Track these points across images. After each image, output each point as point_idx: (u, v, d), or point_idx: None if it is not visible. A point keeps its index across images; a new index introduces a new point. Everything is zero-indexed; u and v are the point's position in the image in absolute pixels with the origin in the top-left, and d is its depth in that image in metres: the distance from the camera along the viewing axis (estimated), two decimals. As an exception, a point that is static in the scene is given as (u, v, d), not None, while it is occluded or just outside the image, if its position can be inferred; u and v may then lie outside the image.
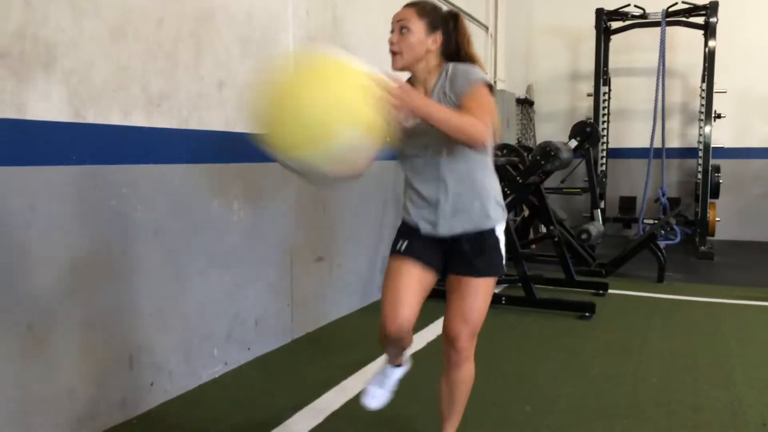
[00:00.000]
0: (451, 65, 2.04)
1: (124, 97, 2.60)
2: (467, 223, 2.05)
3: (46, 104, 2.29)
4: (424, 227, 2.08)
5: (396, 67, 2.04)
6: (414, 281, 2.05)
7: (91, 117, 2.46)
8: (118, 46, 2.57)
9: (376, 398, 2.37)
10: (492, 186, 2.10)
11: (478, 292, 2.08)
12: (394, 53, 2.04)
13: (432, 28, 2.03)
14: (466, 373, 2.17)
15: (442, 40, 2.05)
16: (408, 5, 2.07)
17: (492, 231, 2.08)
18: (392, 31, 2.05)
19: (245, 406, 2.87)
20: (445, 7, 2.13)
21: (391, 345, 2.15)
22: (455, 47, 2.08)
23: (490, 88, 1.99)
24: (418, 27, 2.01)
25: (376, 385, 2.38)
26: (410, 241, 2.10)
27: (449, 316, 2.12)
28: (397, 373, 2.41)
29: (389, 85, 1.76)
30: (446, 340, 2.14)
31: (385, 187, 4.71)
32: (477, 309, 2.08)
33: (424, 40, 2.02)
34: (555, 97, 8.98)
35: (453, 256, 2.09)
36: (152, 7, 2.72)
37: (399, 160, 2.12)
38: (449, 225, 2.05)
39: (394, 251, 2.13)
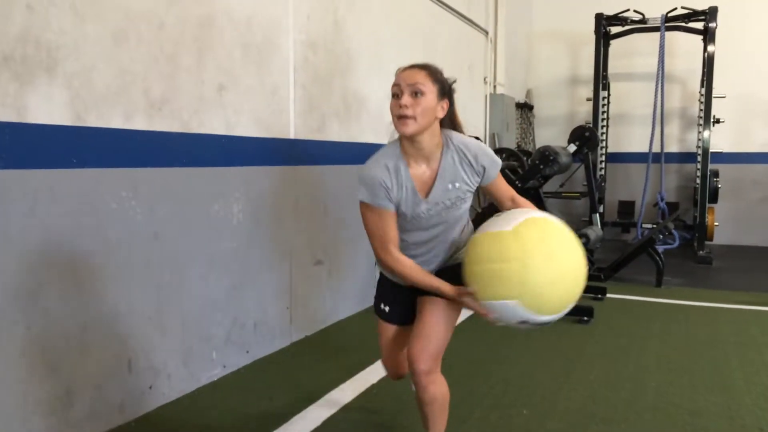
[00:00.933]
0: (459, 145, 2.03)
1: (126, 100, 2.62)
2: (443, 264, 2.18)
3: (48, 108, 2.30)
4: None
5: (408, 132, 1.92)
6: (402, 340, 2.28)
7: (93, 120, 2.47)
8: (120, 50, 2.58)
9: None
10: (467, 229, 2.22)
11: (440, 314, 2.09)
12: (405, 117, 1.91)
13: (441, 94, 1.98)
14: (432, 393, 2.11)
15: (448, 109, 2.02)
16: (417, 67, 1.97)
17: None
18: (397, 95, 1.94)
19: (243, 409, 2.88)
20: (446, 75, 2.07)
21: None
22: (450, 116, 2.06)
23: None
24: (431, 91, 1.93)
25: None
26: (391, 306, 2.26)
27: (411, 338, 2.13)
28: None
29: None
30: (409, 363, 2.12)
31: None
32: (439, 330, 2.09)
33: (435, 107, 1.95)
34: (554, 102, 9.00)
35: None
36: (154, 11, 2.74)
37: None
38: (433, 270, 2.16)
39: (380, 314, 2.30)
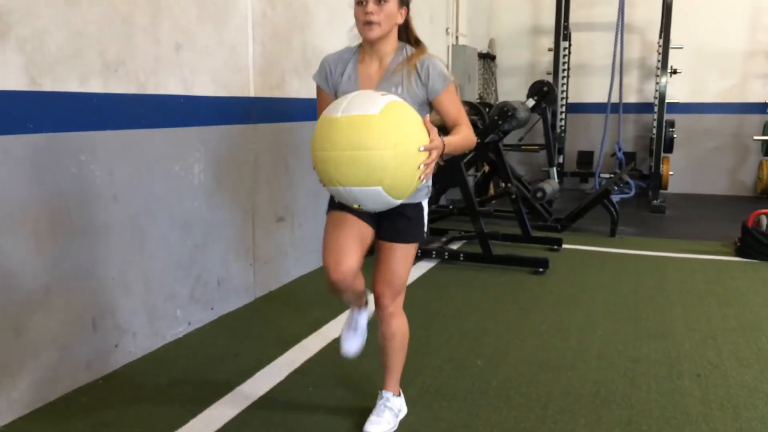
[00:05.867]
0: (415, 52, 2.16)
1: (81, 63, 2.60)
2: None
3: (2, 73, 2.28)
4: None
5: (373, 37, 2.10)
6: (353, 231, 2.18)
7: (48, 85, 2.46)
8: (73, 12, 2.55)
9: (352, 342, 2.47)
10: None
11: (400, 257, 2.26)
12: (370, 23, 2.07)
13: (402, 2, 2.13)
14: (394, 328, 2.31)
15: (406, 15, 2.17)
16: None
17: (418, 204, 2.27)
18: (361, 2, 2.07)
19: (209, 365, 2.97)
20: None
21: (340, 293, 2.26)
22: (406, 25, 2.20)
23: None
24: None
25: (349, 331, 2.49)
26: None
27: (375, 279, 2.29)
28: (364, 315, 2.53)
29: (434, 143, 1.94)
30: (374, 299, 2.31)
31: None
32: (399, 272, 2.26)
33: (396, 13, 2.12)
34: (517, 52, 9.03)
35: (382, 223, 2.26)
36: (106, -30, 2.70)
37: None
38: None
39: (332, 207, 2.27)
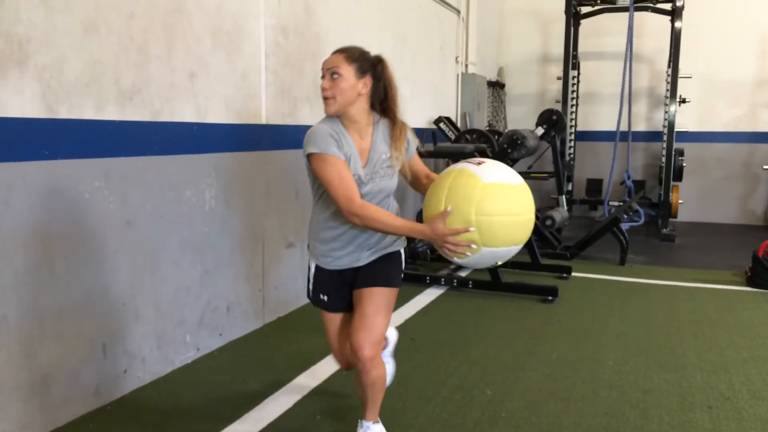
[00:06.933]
0: (399, 125, 2.26)
1: (97, 91, 2.64)
2: (379, 252, 2.31)
3: (20, 101, 2.32)
4: (348, 263, 2.30)
5: (329, 112, 2.17)
6: (344, 325, 2.39)
7: (65, 112, 2.50)
8: (90, 40, 2.60)
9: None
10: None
11: (379, 305, 2.25)
12: (326, 98, 2.15)
13: (361, 72, 2.16)
14: (373, 377, 2.26)
15: (372, 84, 2.19)
16: (336, 52, 2.19)
17: (396, 252, 2.35)
18: (323, 77, 2.16)
19: (217, 392, 2.97)
20: (372, 53, 2.23)
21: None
22: (383, 92, 2.23)
23: None
24: (348, 72, 2.13)
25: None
26: (330, 295, 2.37)
27: (353, 328, 2.25)
28: (390, 344, 2.65)
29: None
30: (351, 350, 2.26)
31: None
32: (378, 322, 2.24)
33: (354, 84, 2.14)
34: (526, 80, 9.10)
35: (360, 276, 2.30)
36: (124, 0, 2.75)
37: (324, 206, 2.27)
38: (368, 256, 2.30)
39: (321, 305, 2.39)
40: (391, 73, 2.23)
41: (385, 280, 2.27)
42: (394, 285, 2.31)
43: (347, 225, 2.20)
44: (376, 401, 2.38)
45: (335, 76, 2.12)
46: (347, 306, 2.37)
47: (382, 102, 2.24)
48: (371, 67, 2.18)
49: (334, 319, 2.41)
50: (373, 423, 2.41)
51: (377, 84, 2.20)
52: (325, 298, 2.37)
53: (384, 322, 2.26)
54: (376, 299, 2.24)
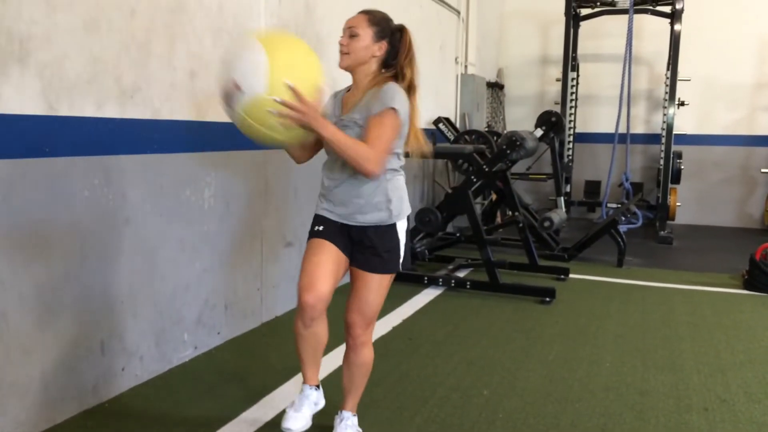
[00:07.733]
0: (387, 85, 2.21)
1: (98, 89, 2.64)
2: (359, 215, 2.27)
3: (21, 98, 2.32)
4: (328, 214, 2.33)
5: (341, 65, 2.29)
6: (330, 259, 2.28)
7: (65, 110, 2.50)
8: (91, 38, 2.60)
9: (296, 421, 2.41)
10: (395, 186, 2.31)
11: (374, 287, 2.31)
12: (341, 53, 2.27)
13: (379, 36, 2.25)
14: (361, 357, 2.38)
15: (387, 49, 2.27)
16: (361, 12, 2.29)
17: (392, 228, 2.29)
18: (343, 35, 2.26)
19: (215, 390, 2.97)
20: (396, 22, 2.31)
21: (307, 320, 2.31)
22: (397, 57, 2.29)
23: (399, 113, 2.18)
24: (366, 33, 2.23)
25: (293, 409, 2.45)
26: (325, 226, 2.33)
27: (348, 306, 2.36)
28: (313, 396, 2.48)
29: (301, 100, 1.98)
30: (345, 326, 2.37)
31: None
32: (371, 302, 2.32)
33: (370, 46, 2.24)
34: (525, 82, 9.11)
35: (356, 251, 2.31)
36: (125, -1, 2.75)
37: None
38: (343, 212, 2.29)
39: (312, 234, 2.35)
40: (409, 44, 2.29)
41: (382, 266, 2.29)
42: (391, 271, 2.33)
43: (333, 176, 2.30)
44: (359, 388, 2.44)
45: (353, 36, 2.22)
46: (342, 248, 2.29)
47: (395, 67, 2.29)
48: (390, 33, 2.27)
49: (320, 246, 2.28)
50: (353, 415, 2.46)
51: (392, 50, 2.28)
52: (320, 228, 2.33)
53: (378, 303, 2.33)
54: (370, 283, 2.30)
